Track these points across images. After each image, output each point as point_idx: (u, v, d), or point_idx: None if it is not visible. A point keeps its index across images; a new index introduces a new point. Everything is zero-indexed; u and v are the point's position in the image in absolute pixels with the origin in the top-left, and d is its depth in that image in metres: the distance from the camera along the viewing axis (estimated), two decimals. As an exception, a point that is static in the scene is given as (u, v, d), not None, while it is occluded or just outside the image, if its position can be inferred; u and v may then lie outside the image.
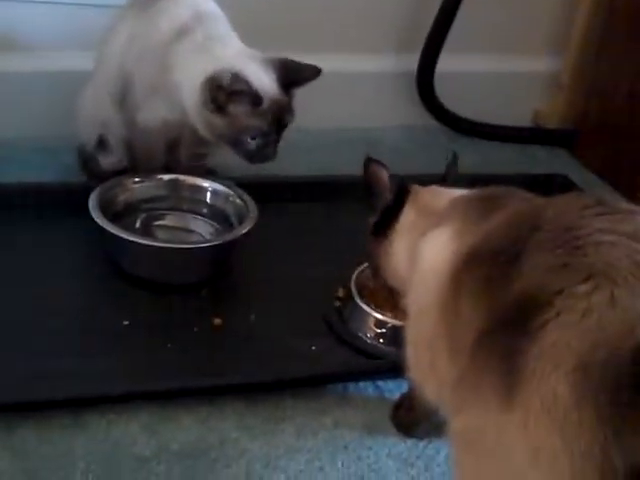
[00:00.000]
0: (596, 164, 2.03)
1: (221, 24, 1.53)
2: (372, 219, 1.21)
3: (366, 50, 2.02)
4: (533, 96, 2.20)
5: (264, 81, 1.45)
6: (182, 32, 1.49)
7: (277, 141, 1.48)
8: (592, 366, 0.76)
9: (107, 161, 1.64)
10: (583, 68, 2.09)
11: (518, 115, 2.18)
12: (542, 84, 2.19)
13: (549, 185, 1.85)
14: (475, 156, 2.04)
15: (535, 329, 0.80)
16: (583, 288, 0.80)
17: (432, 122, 2.10)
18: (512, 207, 1.01)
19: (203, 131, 1.49)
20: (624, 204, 0.93)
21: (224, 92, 1.42)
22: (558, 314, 0.80)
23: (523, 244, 0.89)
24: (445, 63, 2.01)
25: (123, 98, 1.56)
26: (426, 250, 1.06)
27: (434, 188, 1.19)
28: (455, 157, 1.27)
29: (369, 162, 1.21)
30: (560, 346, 0.78)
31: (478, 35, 2.06)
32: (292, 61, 1.49)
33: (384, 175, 1.19)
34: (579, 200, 0.94)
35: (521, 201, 1.04)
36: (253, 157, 1.48)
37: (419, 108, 2.08)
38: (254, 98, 1.43)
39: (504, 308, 0.86)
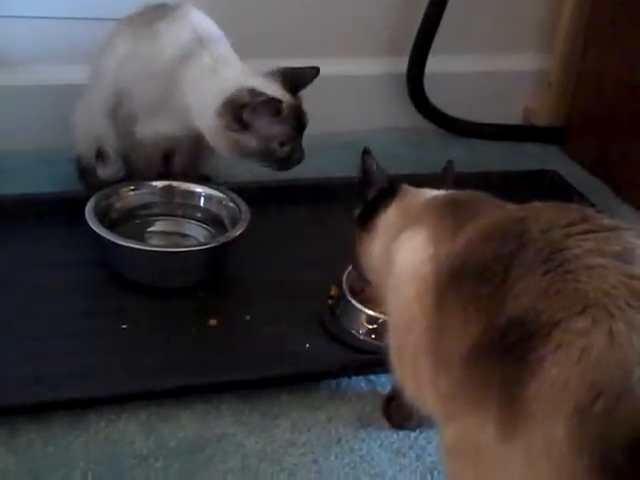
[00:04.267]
0: (586, 159, 2.05)
1: (222, 45, 1.57)
2: (356, 212, 1.24)
3: (355, 53, 2.05)
4: (523, 94, 2.22)
5: (275, 90, 1.49)
6: (186, 57, 1.53)
7: (301, 145, 1.53)
8: (589, 417, 0.76)
9: (105, 172, 1.68)
10: (570, 65, 2.11)
11: (509, 113, 2.20)
12: (531, 82, 2.21)
13: (540, 181, 1.89)
14: (466, 154, 2.07)
15: (534, 361, 0.81)
16: (582, 323, 0.80)
17: (423, 123, 2.13)
18: (488, 216, 1.01)
19: (229, 153, 1.52)
20: (606, 220, 0.92)
21: (248, 108, 1.45)
22: (557, 349, 0.80)
23: (510, 262, 0.89)
24: (434, 64, 2.04)
25: (116, 111, 1.60)
26: (400, 253, 1.07)
27: (418, 189, 1.21)
28: (451, 165, 1.30)
29: (365, 155, 1.22)
30: (559, 386, 0.78)
31: (466, 35, 2.09)
32: (290, 68, 1.53)
33: (375, 170, 1.22)
34: (562, 215, 0.93)
35: (494, 208, 1.05)
36: (285, 164, 1.52)
37: (410, 109, 2.10)
38: (275, 106, 1.47)
39: (498, 329, 0.86)
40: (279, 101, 1.47)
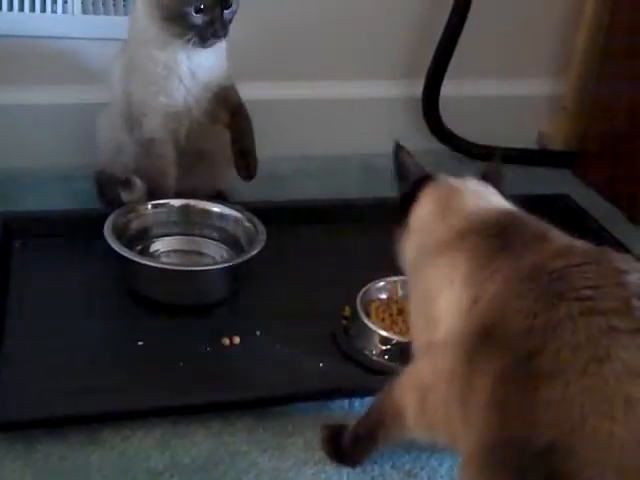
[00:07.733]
0: (599, 184, 2.06)
1: None
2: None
3: (371, 76, 2.07)
4: (537, 118, 2.24)
5: None
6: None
7: (222, 19, 1.52)
8: None
9: (129, 197, 1.69)
10: (584, 90, 2.12)
11: (523, 137, 2.22)
12: (546, 106, 2.23)
13: (553, 205, 1.89)
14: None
15: None
16: None
17: (438, 146, 2.14)
18: (522, 260, 0.97)
19: (151, 11, 1.53)
20: None
21: None
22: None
23: (545, 338, 0.86)
24: (450, 88, 2.06)
25: (128, 120, 1.63)
26: (440, 294, 1.04)
27: (456, 188, 1.16)
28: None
29: (398, 149, 1.20)
30: None
31: (481, 59, 2.10)
32: None
33: (410, 162, 1.20)
34: (610, 264, 0.92)
35: (533, 246, 1.00)
36: (203, 34, 1.52)
37: (425, 132, 2.12)
38: None
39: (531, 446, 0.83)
40: None
